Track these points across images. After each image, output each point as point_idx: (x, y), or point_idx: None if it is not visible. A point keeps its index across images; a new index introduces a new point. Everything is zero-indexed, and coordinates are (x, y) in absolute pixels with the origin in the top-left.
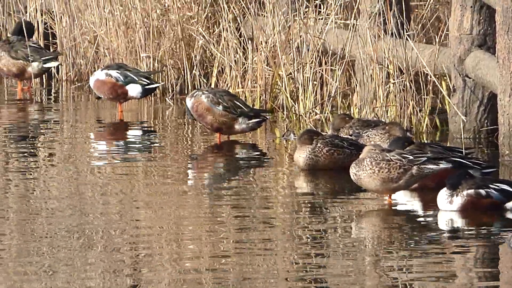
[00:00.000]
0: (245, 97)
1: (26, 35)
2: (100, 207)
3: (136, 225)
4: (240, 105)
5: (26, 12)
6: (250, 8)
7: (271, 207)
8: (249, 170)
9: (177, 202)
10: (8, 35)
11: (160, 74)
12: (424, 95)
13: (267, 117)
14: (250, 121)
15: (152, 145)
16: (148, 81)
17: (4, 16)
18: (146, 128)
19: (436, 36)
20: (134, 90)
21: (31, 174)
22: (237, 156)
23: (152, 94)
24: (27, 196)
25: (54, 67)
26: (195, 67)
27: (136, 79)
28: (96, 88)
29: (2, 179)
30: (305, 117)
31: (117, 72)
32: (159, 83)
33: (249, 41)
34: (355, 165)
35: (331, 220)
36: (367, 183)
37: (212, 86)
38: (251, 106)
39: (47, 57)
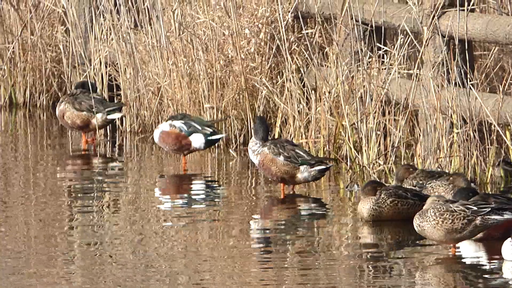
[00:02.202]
0: (309, 147)
1: (90, 90)
2: (165, 264)
3: (201, 281)
4: (302, 154)
5: (90, 65)
6: (313, 59)
7: (336, 259)
8: (313, 221)
9: (241, 257)
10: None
11: (223, 124)
12: (488, 145)
13: (330, 165)
14: (312, 169)
15: (216, 198)
16: (211, 130)
17: (69, 68)
18: (210, 180)
19: (500, 85)
20: (197, 140)
21: (95, 228)
22: (300, 207)
23: (216, 145)
24: (92, 251)
25: (118, 118)
26: None
27: (200, 128)
28: (162, 140)
29: (67, 234)
30: (369, 168)
31: (181, 122)
32: (222, 134)
33: (313, 92)
34: (419, 216)
35: (396, 271)
36: (431, 233)
37: (276, 136)
38: (313, 155)
39: (110, 108)
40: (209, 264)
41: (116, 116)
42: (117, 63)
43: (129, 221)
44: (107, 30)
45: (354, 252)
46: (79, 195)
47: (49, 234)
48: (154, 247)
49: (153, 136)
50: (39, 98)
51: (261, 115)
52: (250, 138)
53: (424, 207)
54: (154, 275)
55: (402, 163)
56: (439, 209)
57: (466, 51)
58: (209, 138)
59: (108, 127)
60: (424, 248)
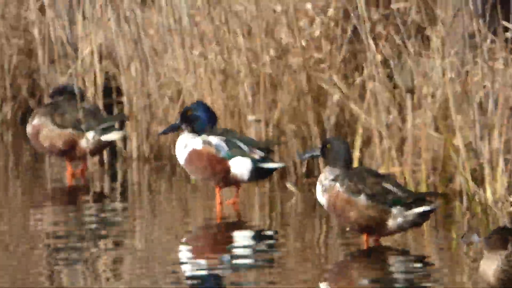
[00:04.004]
0: (404, 178)
1: (77, 98)
2: None
3: None
4: (393, 189)
5: (77, 58)
6: (407, 46)
7: None
8: None
9: None
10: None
11: (279, 146)
12: None
13: (436, 204)
14: (409, 212)
15: (269, 256)
16: (264, 154)
17: (45, 63)
18: (258, 230)
19: None
20: (240, 167)
21: None
22: (392, 269)
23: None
24: None
25: (118, 139)
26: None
27: (246, 150)
28: (189, 161)
29: None
30: (495, 208)
31: (220, 139)
32: (279, 163)
33: (407, 95)
34: None
35: None
36: None
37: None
38: (410, 190)
39: (107, 124)
40: None
41: (114, 136)
42: (116, 54)
43: None
44: (101, 6)
45: None
46: (59, 260)
47: None
48: None
49: (176, 157)
50: (0, 110)
51: (333, 130)
52: (324, 167)
53: None
54: None
55: None
56: None
57: None
58: (260, 165)
59: (104, 151)
60: None
